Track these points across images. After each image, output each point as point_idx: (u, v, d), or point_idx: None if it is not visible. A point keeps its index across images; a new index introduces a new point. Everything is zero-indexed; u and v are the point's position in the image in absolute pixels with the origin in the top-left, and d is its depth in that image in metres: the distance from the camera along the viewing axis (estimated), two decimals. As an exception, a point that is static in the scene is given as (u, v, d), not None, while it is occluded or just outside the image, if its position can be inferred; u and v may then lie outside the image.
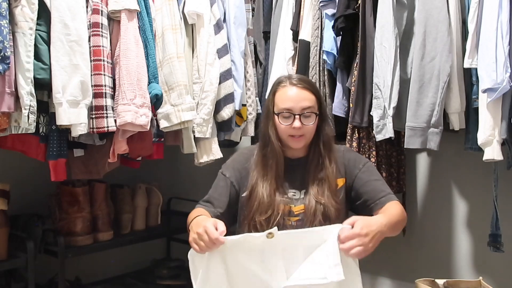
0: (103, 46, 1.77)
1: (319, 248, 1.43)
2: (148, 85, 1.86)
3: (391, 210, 1.64)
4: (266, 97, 1.83)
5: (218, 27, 2.22)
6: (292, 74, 1.87)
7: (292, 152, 1.77)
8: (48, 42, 1.65)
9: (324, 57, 2.18)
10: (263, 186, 1.72)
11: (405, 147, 1.97)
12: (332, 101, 2.19)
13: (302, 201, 1.74)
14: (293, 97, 1.70)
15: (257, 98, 2.46)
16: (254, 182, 1.74)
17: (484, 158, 1.80)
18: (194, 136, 2.13)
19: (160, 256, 2.91)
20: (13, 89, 1.56)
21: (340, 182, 1.76)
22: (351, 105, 2.09)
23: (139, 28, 1.86)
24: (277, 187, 1.73)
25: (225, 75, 2.21)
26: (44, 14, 1.64)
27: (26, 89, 1.57)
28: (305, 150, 1.77)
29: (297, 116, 1.68)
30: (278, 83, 1.76)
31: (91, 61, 1.74)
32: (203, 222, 1.52)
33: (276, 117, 1.72)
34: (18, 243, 1.94)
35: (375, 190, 1.72)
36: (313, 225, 1.67)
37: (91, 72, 1.74)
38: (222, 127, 2.25)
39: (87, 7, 1.77)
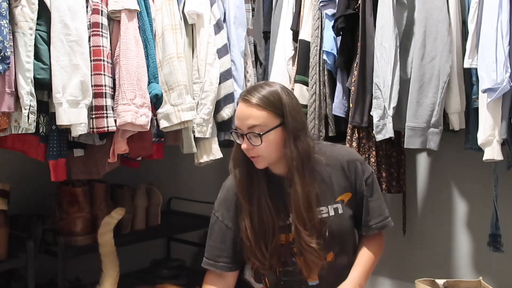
0: (103, 46, 1.77)
1: None
2: (148, 85, 1.86)
3: (366, 258, 1.67)
4: None
5: (218, 27, 2.22)
6: (253, 86, 1.58)
7: (274, 167, 1.58)
8: (48, 42, 1.65)
9: (324, 57, 2.18)
10: (246, 222, 1.56)
11: (405, 147, 1.97)
12: (332, 101, 2.19)
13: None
14: (240, 115, 1.51)
15: (257, 98, 2.45)
16: (239, 219, 1.60)
17: (484, 158, 1.80)
18: (194, 136, 2.13)
19: (160, 256, 2.91)
20: (13, 89, 1.55)
21: (346, 197, 1.61)
22: (351, 105, 2.09)
23: (139, 28, 1.86)
24: (271, 213, 1.55)
25: (225, 75, 2.20)
26: (44, 14, 1.64)
27: (26, 89, 1.57)
28: (285, 166, 1.55)
29: (244, 136, 1.49)
30: (239, 97, 1.58)
31: (91, 61, 1.74)
32: None
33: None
34: (18, 243, 1.93)
35: (368, 213, 1.63)
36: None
37: (91, 72, 1.74)
38: (222, 127, 2.25)
39: (87, 7, 1.77)
